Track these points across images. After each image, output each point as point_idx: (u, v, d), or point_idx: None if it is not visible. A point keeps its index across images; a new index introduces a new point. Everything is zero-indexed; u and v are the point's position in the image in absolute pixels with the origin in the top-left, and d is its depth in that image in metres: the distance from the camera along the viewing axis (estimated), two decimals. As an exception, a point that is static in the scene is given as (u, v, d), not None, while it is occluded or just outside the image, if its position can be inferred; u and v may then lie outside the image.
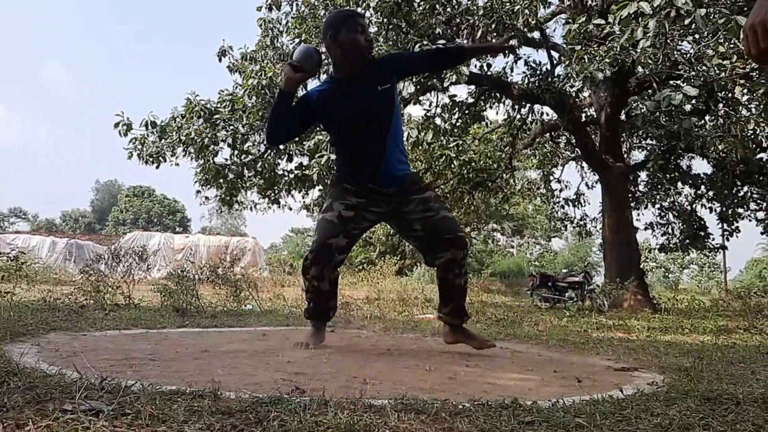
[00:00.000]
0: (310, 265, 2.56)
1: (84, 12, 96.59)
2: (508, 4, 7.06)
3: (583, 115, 10.32)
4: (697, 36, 6.46)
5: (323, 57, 2.74)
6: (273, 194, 9.63)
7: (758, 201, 10.90)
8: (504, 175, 11.49)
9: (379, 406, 1.31)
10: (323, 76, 6.22)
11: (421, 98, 8.99)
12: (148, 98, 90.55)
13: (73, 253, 18.34)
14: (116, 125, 8.19)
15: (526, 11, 6.69)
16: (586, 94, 9.98)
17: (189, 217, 46.55)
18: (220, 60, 9.19)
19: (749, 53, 1.25)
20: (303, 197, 10.03)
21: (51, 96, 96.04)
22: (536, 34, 9.20)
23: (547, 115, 11.12)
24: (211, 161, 8.57)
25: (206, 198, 9.61)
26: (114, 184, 53.28)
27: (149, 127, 8.39)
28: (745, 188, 10.92)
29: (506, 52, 8.40)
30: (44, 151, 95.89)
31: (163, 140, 8.35)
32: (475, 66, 8.80)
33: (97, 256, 5.84)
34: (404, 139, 7.07)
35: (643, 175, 12.09)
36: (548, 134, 11.78)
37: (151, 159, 8.35)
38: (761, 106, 6.51)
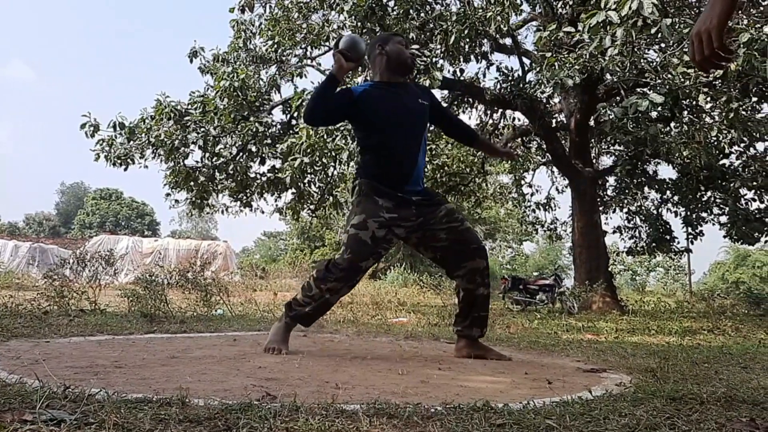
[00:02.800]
0: (333, 280, 2.51)
1: (50, 9, 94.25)
2: (480, 10, 7.14)
3: (554, 120, 10.50)
4: (662, 45, 6.65)
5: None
6: (245, 197, 9.53)
7: (721, 206, 11.23)
8: (476, 179, 11.61)
9: (351, 411, 1.30)
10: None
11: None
12: (117, 99, 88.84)
13: (37, 257, 17.85)
14: (83, 126, 8.01)
15: (498, 18, 6.79)
16: (556, 100, 10.16)
17: (158, 220, 45.73)
18: (191, 61, 9.10)
19: (693, 59, 1.30)
20: (276, 200, 9.96)
21: (14, 95, 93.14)
22: (508, 41, 9.33)
23: (519, 120, 11.30)
24: (182, 164, 8.44)
25: (176, 201, 9.46)
26: (80, 187, 51.96)
27: (117, 129, 8.22)
28: (709, 193, 11.24)
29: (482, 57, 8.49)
30: (7, 152, 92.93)
31: (131, 142, 8.19)
32: (449, 71, 8.88)
33: (62, 260, 5.68)
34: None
35: (611, 180, 12.36)
36: (520, 139, 11.95)
37: (119, 161, 8.18)
38: (723, 114, 6.72)
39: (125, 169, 8.28)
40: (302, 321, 2.64)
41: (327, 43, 9.17)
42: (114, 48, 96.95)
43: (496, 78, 9.23)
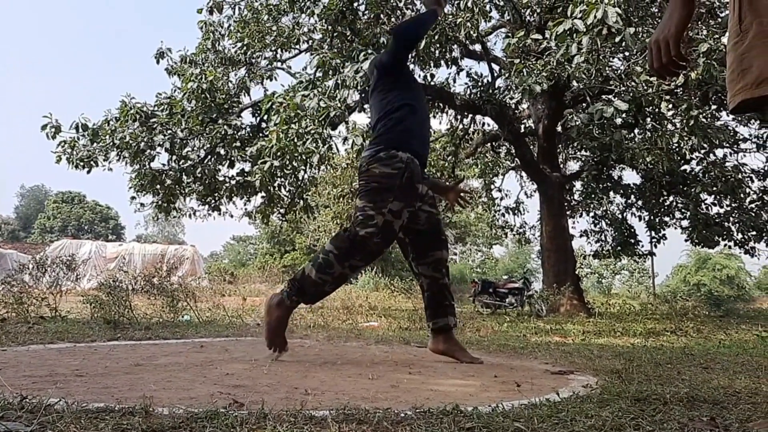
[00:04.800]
0: (359, 260, 2.46)
1: (8, 7, 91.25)
2: (450, 16, 7.21)
3: (522, 126, 10.67)
4: (626, 53, 6.83)
5: None
6: (213, 201, 9.39)
7: (682, 210, 11.59)
8: (447, 183, 11.68)
9: (320, 417, 1.29)
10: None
11: (365, 106, 9.03)
12: (79, 100, 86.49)
13: (-6, 262, 17.19)
14: (44, 127, 7.77)
15: (468, 24, 6.86)
16: (524, 106, 10.33)
17: (123, 224, 44.67)
18: (158, 62, 8.93)
19: (652, 67, 1.34)
20: (245, 204, 9.83)
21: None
22: (477, 47, 9.45)
23: (489, 125, 11.45)
24: (148, 166, 8.26)
25: (142, 205, 9.24)
26: (41, 190, 50.44)
27: (80, 130, 7.99)
28: (671, 198, 11.59)
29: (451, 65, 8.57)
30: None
31: (95, 144, 7.97)
32: (419, 76, 8.93)
33: (21, 265, 5.49)
34: (350, 146, 7.12)
35: (578, 185, 12.62)
36: (489, 144, 12.11)
37: (81, 163, 7.95)
38: (684, 121, 6.94)
39: (88, 172, 8.06)
40: (311, 300, 2.54)
41: (297, 46, 9.13)
42: (76, 47, 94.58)
43: (466, 83, 9.36)
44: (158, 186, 8.51)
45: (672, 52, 1.29)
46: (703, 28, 6.37)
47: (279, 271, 23.78)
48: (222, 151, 8.59)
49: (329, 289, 2.53)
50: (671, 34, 1.29)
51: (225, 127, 8.02)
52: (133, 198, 8.95)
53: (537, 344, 3.84)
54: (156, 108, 8.07)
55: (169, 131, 7.88)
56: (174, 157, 8.31)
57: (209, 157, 8.64)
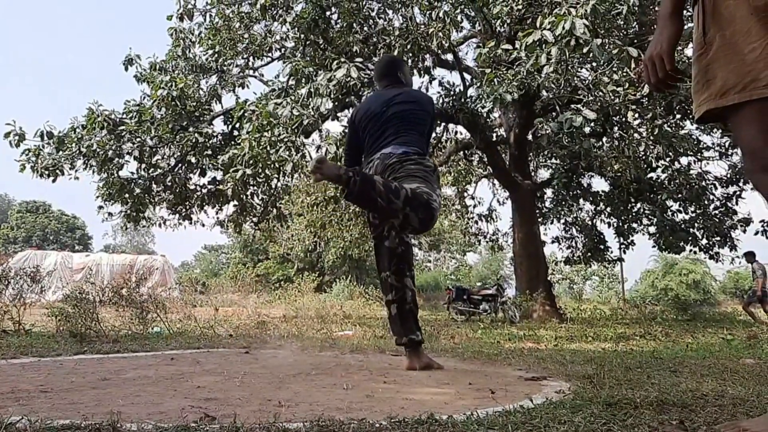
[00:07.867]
0: (420, 214, 2.43)
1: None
2: (422, 26, 7.28)
3: (494, 135, 10.81)
4: (594, 64, 6.99)
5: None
6: (184, 210, 9.24)
7: (649, 216, 11.86)
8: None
9: (294, 429, 1.27)
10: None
11: (339, 114, 9.03)
12: (44, 107, 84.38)
13: (-46, 275, 16.52)
14: (7, 135, 7.56)
15: (440, 34, 6.94)
16: (496, 115, 10.46)
17: (90, 234, 43.53)
18: (126, 69, 8.77)
19: (649, 82, 1.38)
20: (217, 213, 9.70)
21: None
22: (449, 57, 9.55)
23: (461, 134, 11.56)
24: (116, 175, 8.09)
25: (110, 214, 9.05)
26: (3, 199, 48.94)
27: (45, 138, 7.79)
28: (638, 205, 11.85)
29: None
30: None
31: (60, 152, 7.78)
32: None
33: (-18, 278, 5.29)
34: (323, 154, 7.08)
35: (549, 192, 12.81)
36: (462, 152, 12.22)
37: (46, 172, 7.75)
38: (650, 130, 7.12)
39: (53, 181, 7.85)
40: (356, 192, 2.34)
41: (269, 54, 9.09)
42: (40, 52, 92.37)
43: (439, 92, 9.42)
44: (127, 195, 8.34)
45: (667, 66, 1.33)
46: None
47: (252, 280, 23.46)
48: (193, 160, 8.47)
49: (379, 204, 2.36)
50: (664, 50, 1.33)
51: (196, 135, 7.92)
52: (100, 207, 8.75)
53: (511, 350, 3.87)
54: (124, 115, 7.92)
55: (138, 139, 7.74)
56: (143, 166, 8.17)
57: (180, 165, 8.52)
